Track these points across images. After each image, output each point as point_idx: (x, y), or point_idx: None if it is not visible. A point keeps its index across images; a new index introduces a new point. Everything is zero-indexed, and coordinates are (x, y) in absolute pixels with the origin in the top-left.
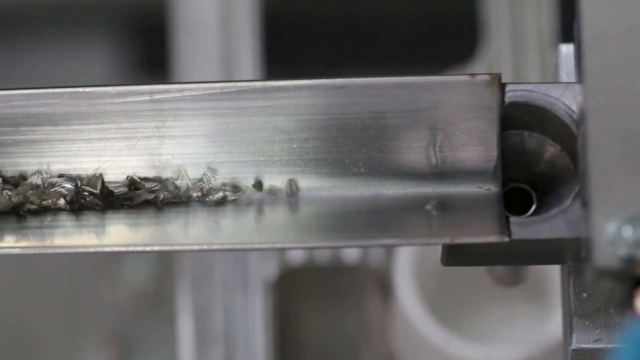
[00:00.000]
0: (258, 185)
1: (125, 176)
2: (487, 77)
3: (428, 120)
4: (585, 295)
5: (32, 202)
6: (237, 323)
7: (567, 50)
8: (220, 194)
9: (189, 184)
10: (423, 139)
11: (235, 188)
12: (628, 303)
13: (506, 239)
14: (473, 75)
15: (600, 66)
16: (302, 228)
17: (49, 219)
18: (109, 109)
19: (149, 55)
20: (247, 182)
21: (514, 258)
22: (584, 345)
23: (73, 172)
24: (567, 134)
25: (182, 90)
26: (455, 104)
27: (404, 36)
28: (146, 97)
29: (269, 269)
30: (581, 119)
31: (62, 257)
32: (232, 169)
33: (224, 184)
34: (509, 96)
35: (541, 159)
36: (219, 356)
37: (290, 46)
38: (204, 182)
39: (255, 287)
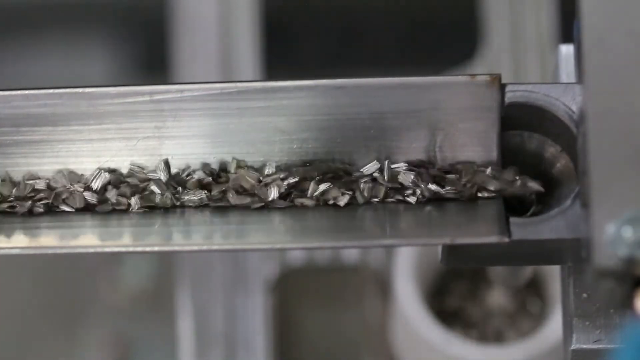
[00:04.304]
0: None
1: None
2: (487, 78)
3: (428, 120)
4: (585, 295)
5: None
6: (237, 323)
7: (567, 50)
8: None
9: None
10: (423, 139)
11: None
12: (628, 303)
13: (506, 240)
14: (473, 75)
15: (600, 67)
16: (303, 228)
17: (49, 219)
18: (109, 109)
19: (149, 55)
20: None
21: (514, 258)
22: (584, 346)
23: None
24: (567, 135)
25: (182, 91)
26: (455, 105)
27: (404, 36)
28: (146, 98)
29: (269, 269)
30: (581, 119)
31: (62, 258)
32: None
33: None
34: (509, 97)
35: (541, 159)
36: (219, 356)
37: (290, 46)
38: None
39: (255, 287)
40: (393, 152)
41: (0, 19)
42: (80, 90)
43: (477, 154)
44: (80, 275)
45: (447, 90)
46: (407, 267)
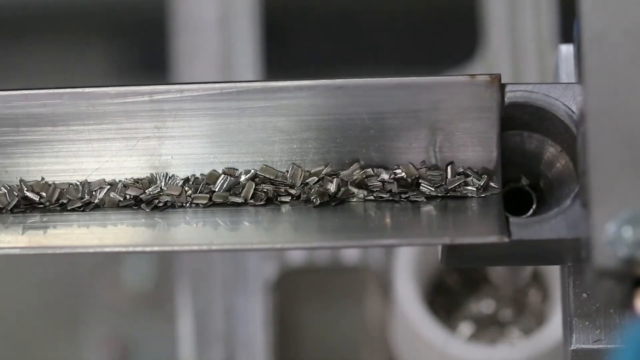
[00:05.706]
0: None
1: (126, 177)
2: (487, 78)
3: (428, 120)
4: (585, 295)
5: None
6: (237, 323)
7: (567, 50)
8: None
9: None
10: (423, 139)
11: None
12: (628, 303)
13: (506, 240)
14: (473, 75)
15: (600, 67)
16: (302, 228)
17: (49, 219)
18: (109, 109)
19: (149, 55)
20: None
21: (513, 258)
22: (584, 346)
23: (73, 173)
24: (567, 135)
25: (182, 91)
26: (455, 105)
27: (404, 37)
28: (146, 98)
29: (269, 269)
30: (581, 119)
31: (63, 258)
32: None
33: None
34: (509, 97)
35: (541, 159)
36: (219, 356)
37: (290, 46)
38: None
39: (255, 287)
40: (393, 152)
41: (0, 20)
42: (80, 90)
43: (477, 154)
44: (80, 275)
45: (447, 90)
46: (407, 267)
